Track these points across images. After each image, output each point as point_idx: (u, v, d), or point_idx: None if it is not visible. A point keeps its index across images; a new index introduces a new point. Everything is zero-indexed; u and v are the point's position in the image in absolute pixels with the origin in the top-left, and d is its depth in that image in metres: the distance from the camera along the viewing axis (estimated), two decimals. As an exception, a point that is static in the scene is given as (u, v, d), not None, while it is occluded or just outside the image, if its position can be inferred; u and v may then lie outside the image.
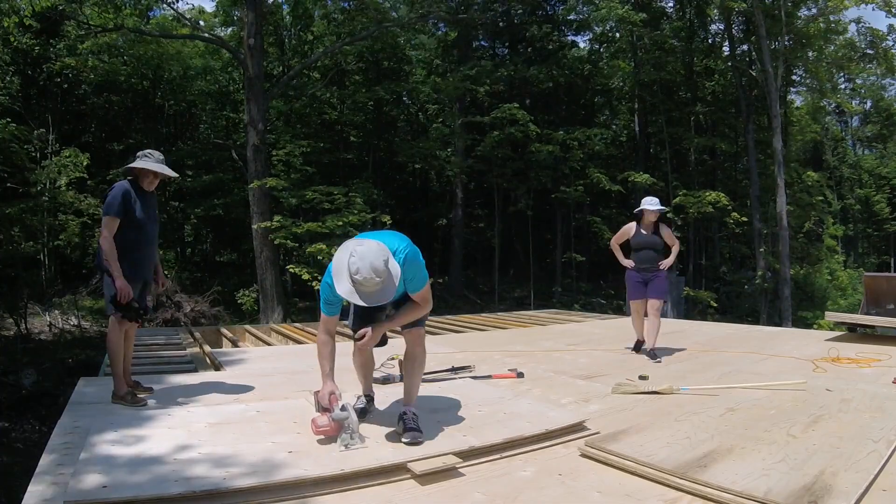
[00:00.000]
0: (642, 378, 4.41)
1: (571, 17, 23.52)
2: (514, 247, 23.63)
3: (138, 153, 3.75)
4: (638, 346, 5.70)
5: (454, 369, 4.52)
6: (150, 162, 3.65)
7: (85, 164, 14.72)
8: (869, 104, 36.72)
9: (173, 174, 3.79)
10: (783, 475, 2.35)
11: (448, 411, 3.34)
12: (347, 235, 14.71)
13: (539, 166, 19.96)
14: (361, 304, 2.66)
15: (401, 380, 4.21)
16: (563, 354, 5.75)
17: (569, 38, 24.19)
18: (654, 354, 5.39)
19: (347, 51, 19.73)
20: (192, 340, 6.62)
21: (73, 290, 15.81)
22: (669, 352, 5.81)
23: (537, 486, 2.42)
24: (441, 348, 6.04)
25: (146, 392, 3.73)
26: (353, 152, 22.22)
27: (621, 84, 24.75)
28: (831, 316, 7.61)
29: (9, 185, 14.83)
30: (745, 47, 21.82)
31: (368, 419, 3.15)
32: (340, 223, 14.41)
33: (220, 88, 21.59)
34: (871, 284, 7.78)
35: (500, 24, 23.27)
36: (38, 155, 15.77)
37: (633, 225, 5.68)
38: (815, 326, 15.74)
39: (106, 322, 15.02)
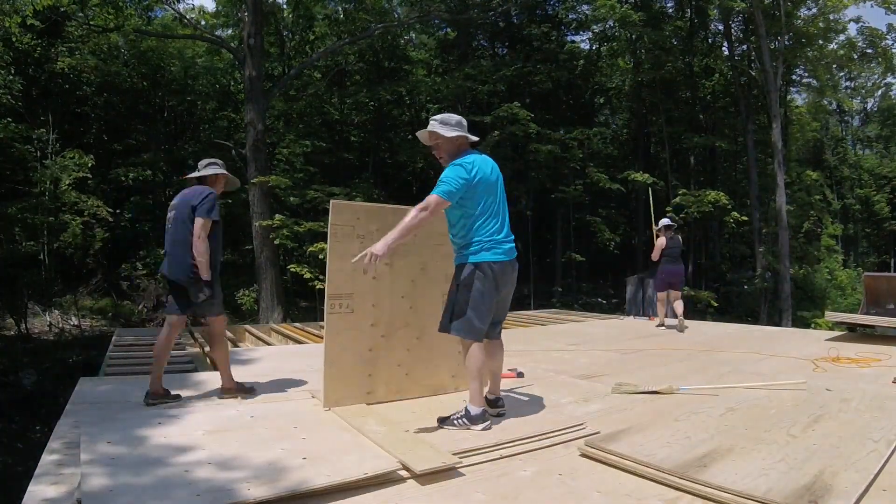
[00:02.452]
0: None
1: (571, 16, 23.53)
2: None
3: (200, 163, 3.84)
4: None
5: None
6: (223, 168, 3.86)
7: (90, 165, 14.76)
8: (871, 104, 36.74)
9: (238, 183, 4.06)
10: (783, 475, 2.35)
11: (448, 411, 3.34)
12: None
13: (539, 166, 19.94)
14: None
15: None
16: (563, 354, 5.75)
17: (568, 37, 24.21)
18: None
19: (349, 50, 19.71)
20: (192, 340, 6.62)
21: (73, 290, 15.81)
22: (669, 352, 5.81)
23: (537, 486, 2.42)
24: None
25: (174, 399, 3.61)
26: (354, 152, 22.22)
27: (621, 83, 24.75)
28: (831, 316, 7.60)
29: (10, 184, 14.84)
30: (744, 47, 21.83)
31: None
32: (341, 223, 14.42)
33: (221, 88, 21.59)
34: (871, 284, 7.78)
35: (500, 24, 23.27)
36: (38, 154, 15.78)
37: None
38: (814, 326, 15.74)
39: (105, 322, 14.91)
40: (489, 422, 3.02)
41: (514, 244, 3.22)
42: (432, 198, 2.97)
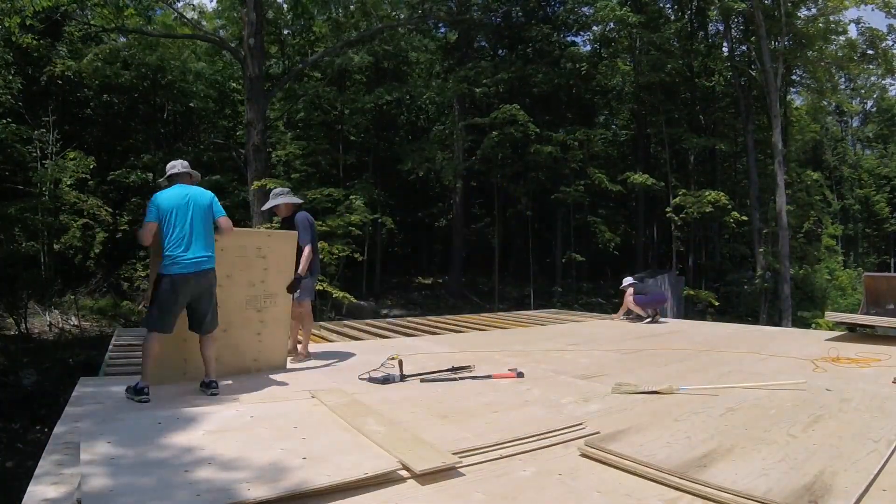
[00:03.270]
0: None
1: (571, 18, 23.52)
2: (514, 247, 23.60)
3: (283, 190, 5.38)
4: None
5: (454, 369, 4.52)
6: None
7: (91, 167, 14.75)
8: (870, 104, 36.74)
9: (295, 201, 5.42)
10: (783, 475, 2.35)
11: (448, 411, 3.35)
12: (349, 235, 14.77)
13: (539, 166, 19.94)
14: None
15: (401, 379, 4.26)
16: (563, 354, 5.75)
17: (568, 39, 24.22)
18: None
19: (351, 53, 19.67)
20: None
21: (73, 290, 15.81)
22: (669, 352, 5.81)
23: (537, 486, 2.42)
24: (441, 348, 6.05)
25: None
26: (353, 153, 22.23)
27: (621, 84, 24.75)
28: (831, 316, 7.60)
29: (10, 184, 14.84)
30: (744, 47, 21.83)
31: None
32: (342, 223, 14.45)
33: (220, 89, 21.58)
34: (871, 284, 7.78)
35: (501, 25, 23.26)
36: (38, 154, 15.79)
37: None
38: (814, 326, 15.74)
39: (105, 321, 14.96)
40: (147, 395, 3.59)
41: (201, 259, 3.84)
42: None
